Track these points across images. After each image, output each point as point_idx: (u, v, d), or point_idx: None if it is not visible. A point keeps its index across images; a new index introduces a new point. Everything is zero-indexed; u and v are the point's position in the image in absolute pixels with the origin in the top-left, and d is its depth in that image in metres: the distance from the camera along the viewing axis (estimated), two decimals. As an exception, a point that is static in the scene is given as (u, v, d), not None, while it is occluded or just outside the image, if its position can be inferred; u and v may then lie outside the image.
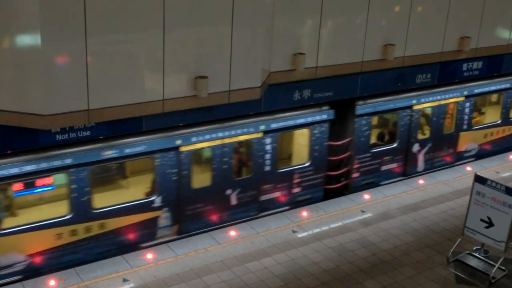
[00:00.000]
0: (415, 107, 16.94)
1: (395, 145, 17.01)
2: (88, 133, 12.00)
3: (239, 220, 14.53)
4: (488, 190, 12.81)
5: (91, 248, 12.74)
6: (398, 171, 17.38)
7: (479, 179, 13.00)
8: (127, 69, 11.53)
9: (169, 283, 12.06)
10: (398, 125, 16.91)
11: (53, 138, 11.68)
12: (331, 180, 16.29)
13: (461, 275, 12.89)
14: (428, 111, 17.53)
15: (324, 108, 15.22)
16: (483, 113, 19.78)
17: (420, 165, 17.76)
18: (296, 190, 15.45)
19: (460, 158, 18.77)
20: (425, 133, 17.76)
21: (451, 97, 17.74)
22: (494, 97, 19.94)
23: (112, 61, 11.34)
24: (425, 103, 17.18)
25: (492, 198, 12.75)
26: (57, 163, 11.90)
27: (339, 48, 14.69)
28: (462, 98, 17.96)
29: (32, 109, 10.81)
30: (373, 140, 16.83)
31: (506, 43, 18.28)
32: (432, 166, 18.04)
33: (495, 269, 12.78)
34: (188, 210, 13.85)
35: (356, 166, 16.39)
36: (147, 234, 13.46)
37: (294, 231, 14.16)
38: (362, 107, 15.84)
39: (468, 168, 18.13)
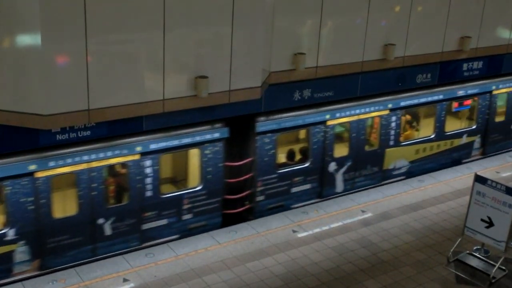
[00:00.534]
0: (329, 123, 15.34)
1: (307, 164, 15.43)
2: (88, 133, 12.01)
3: (117, 252, 13.05)
4: (488, 190, 12.81)
5: None
6: (313, 193, 15.81)
7: (479, 179, 13.00)
8: (127, 69, 11.54)
9: (169, 283, 12.06)
10: (310, 142, 15.33)
11: (54, 138, 11.70)
12: (235, 204, 14.69)
13: (461, 275, 12.89)
14: (346, 126, 16.00)
15: (217, 125, 13.69)
16: (414, 127, 18.20)
17: (339, 185, 16.18)
18: (186, 216, 13.92)
19: (387, 176, 17.14)
20: (343, 151, 16.11)
21: (372, 111, 16.19)
22: (430, 110, 18.05)
23: (112, 61, 11.34)
24: (341, 118, 15.58)
25: (493, 198, 12.75)
26: None
27: (339, 48, 14.70)
28: (386, 112, 16.41)
29: (33, 109, 10.81)
30: (282, 159, 15.45)
31: (506, 43, 18.29)
32: (353, 187, 16.48)
33: (495, 269, 12.78)
34: (50, 243, 12.35)
35: (260, 188, 14.80)
36: (0, 271, 11.99)
37: (294, 231, 14.16)
38: (263, 124, 14.29)
39: (468, 169, 18.13)
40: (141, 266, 12.53)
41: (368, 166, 16.62)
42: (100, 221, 12.79)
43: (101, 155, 12.39)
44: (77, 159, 12.13)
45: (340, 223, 14.63)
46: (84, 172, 12.30)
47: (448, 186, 16.94)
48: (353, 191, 16.30)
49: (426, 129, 18.04)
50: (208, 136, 13.62)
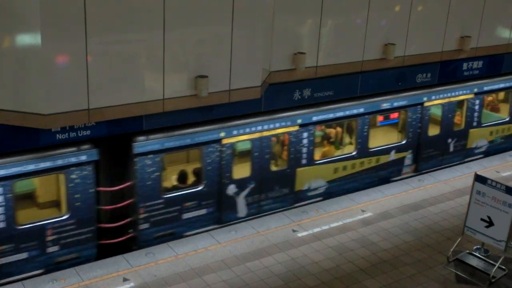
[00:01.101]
0: (225, 141, 13.81)
1: (200, 187, 13.86)
2: (88, 132, 12.02)
3: None
4: (488, 190, 12.82)
5: None
6: (210, 219, 14.25)
7: (479, 179, 13.00)
8: (127, 68, 11.54)
9: (169, 282, 12.07)
10: (203, 163, 13.76)
11: (54, 138, 11.71)
12: (114, 234, 13.19)
13: (461, 275, 12.90)
14: (247, 144, 14.44)
15: (84, 147, 12.24)
16: (333, 144, 16.59)
17: (242, 210, 14.65)
18: (52, 249, 12.41)
19: (300, 198, 15.61)
20: (244, 172, 14.50)
21: (278, 127, 14.60)
22: (352, 124, 16.50)
23: (112, 61, 11.34)
24: (240, 136, 14.07)
25: (492, 198, 12.76)
26: None
27: (339, 48, 14.70)
28: (295, 128, 14.79)
29: (33, 108, 10.82)
30: (173, 182, 14.07)
31: (506, 42, 18.29)
32: (260, 210, 14.96)
33: (495, 268, 12.78)
34: None
35: (143, 215, 13.30)
36: None
37: (294, 231, 14.17)
38: (143, 144, 12.81)
39: (468, 168, 18.13)
40: (141, 266, 12.54)
41: (276, 188, 15.03)
42: None
43: None
44: None
45: (340, 223, 14.63)
46: None
47: (448, 186, 16.94)
48: (261, 214, 14.86)
49: (347, 145, 16.67)
50: (73, 159, 12.13)
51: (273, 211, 15.02)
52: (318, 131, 15.87)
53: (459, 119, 18.48)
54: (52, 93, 10.79)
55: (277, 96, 14.31)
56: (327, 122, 15.64)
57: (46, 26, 10.33)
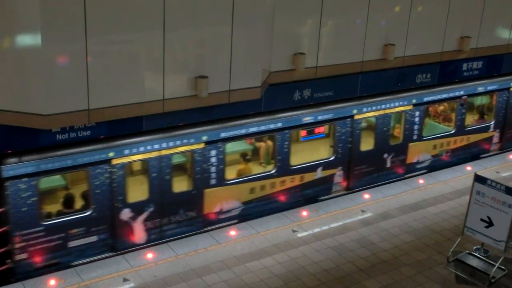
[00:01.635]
0: (116, 162, 12.57)
1: (88, 212, 12.61)
2: (88, 132, 12.02)
3: None
4: (488, 190, 12.82)
5: None
6: (102, 246, 13.03)
7: (479, 179, 13.00)
8: (127, 69, 11.54)
9: (169, 282, 12.07)
10: (91, 186, 12.51)
11: (54, 138, 11.71)
12: None
13: (461, 275, 12.90)
14: (143, 164, 13.42)
15: None
16: (249, 161, 15.29)
17: (140, 236, 13.38)
18: None
19: (211, 222, 14.27)
20: (140, 194, 13.25)
21: (179, 145, 13.25)
22: (271, 140, 15.16)
23: (112, 61, 11.35)
24: (133, 155, 12.76)
25: (492, 198, 12.75)
26: None
27: (339, 48, 14.71)
28: (200, 146, 13.52)
29: (33, 108, 10.82)
30: (57, 207, 12.83)
31: (506, 43, 18.30)
32: (163, 236, 13.65)
33: (495, 268, 12.78)
34: None
35: (19, 245, 12.00)
36: None
37: (294, 231, 14.16)
38: (14, 167, 11.51)
39: (468, 168, 18.12)
40: (141, 266, 12.54)
41: (181, 211, 13.75)
42: None
43: None
44: None
45: (340, 223, 14.63)
46: None
47: (448, 186, 16.94)
48: (166, 239, 13.61)
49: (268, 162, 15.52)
50: None
51: (180, 236, 13.73)
52: (231, 147, 14.61)
53: (398, 132, 17.22)
54: (52, 94, 10.79)
55: (278, 95, 14.31)
56: (238, 139, 14.28)
57: (46, 26, 10.33)
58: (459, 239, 13.45)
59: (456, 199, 16.14)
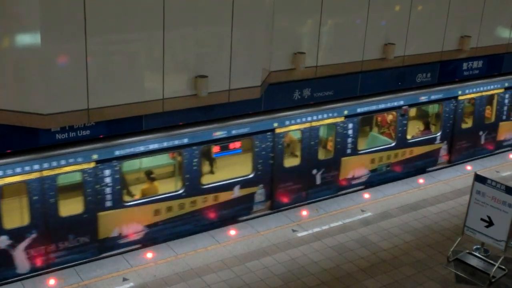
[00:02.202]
0: None
1: None
2: (87, 132, 12.01)
3: None
4: (488, 190, 12.81)
5: None
6: None
7: (479, 178, 13.00)
8: (127, 68, 11.53)
9: (169, 282, 12.06)
10: None
11: (53, 137, 11.70)
12: None
13: (461, 274, 12.89)
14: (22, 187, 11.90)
15: None
16: (154, 180, 13.96)
17: (22, 264, 12.02)
18: None
19: (108, 247, 12.97)
20: (19, 220, 12.00)
21: (64, 165, 12.00)
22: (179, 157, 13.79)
23: (112, 61, 11.35)
24: (6, 178, 11.48)
25: (492, 198, 12.75)
26: None
27: (339, 47, 14.69)
28: (90, 165, 12.25)
29: (32, 108, 10.81)
30: None
31: (506, 42, 18.28)
32: (52, 263, 12.36)
33: (495, 268, 12.78)
34: None
35: None
36: None
37: (294, 230, 14.16)
38: None
39: (468, 168, 18.11)
40: (140, 266, 12.53)
41: (71, 237, 12.44)
42: None
43: None
44: None
45: (340, 223, 14.62)
46: None
47: (448, 186, 16.93)
48: (53, 269, 12.33)
49: (171, 183, 14.15)
50: None
51: (71, 264, 12.57)
52: (130, 165, 13.53)
53: (330, 145, 15.89)
54: (52, 93, 10.78)
55: (278, 95, 14.31)
56: (136, 157, 12.98)
57: (46, 26, 10.32)
58: (459, 239, 13.45)
59: (456, 199, 16.13)
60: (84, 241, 12.60)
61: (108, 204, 12.65)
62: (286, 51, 13.78)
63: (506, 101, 19.24)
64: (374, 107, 16.14)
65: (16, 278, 11.95)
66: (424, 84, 17.03)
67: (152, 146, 12.85)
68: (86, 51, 10.82)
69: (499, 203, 12.68)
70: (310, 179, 15.50)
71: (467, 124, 18.70)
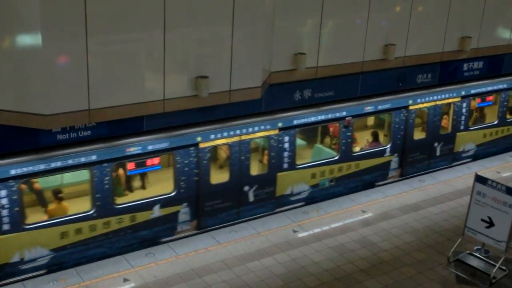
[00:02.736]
0: None
1: None
2: (88, 132, 12.01)
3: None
4: (488, 190, 12.81)
5: None
6: None
7: (479, 179, 12.99)
8: (127, 69, 11.54)
9: (169, 282, 12.06)
10: None
11: (54, 138, 11.70)
12: None
13: (462, 275, 12.89)
14: None
15: None
16: (62, 199, 12.93)
17: None
18: None
19: (9, 273, 11.91)
20: None
21: None
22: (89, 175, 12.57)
23: (113, 61, 11.35)
24: None
25: (493, 198, 12.75)
26: None
27: (339, 48, 14.70)
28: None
29: (33, 108, 10.82)
30: None
31: (506, 43, 18.29)
32: None
33: (495, 269, 12.77)
34: None
35: None
36: None
37: (294, 231, 14.16)
38: None
39: (468, 168, 18.11)
40: (141, 266, 12.53)
41: None
42: None
43: None
44: None
45: (340, 223, 14.63)
46: None
47: (449, 186, 16.93)
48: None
49: (80, 203, 12.97)
50: None
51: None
52: (36, 183, 12.67)
53: (266, 159, 14.83)
54: (53, 94, 10.79)
55: (278, 95, 14.31)
56: (32, 177, 11.92)
57: (46, 26, 10.33)
58: (459, 239, 13.45)
59: (457, 199, 16.13)
60: None
61: (6, 228, 11.65)
62: (286, 52, 13.79)
63: (464, 110, 18.03)
64: (312, 119, 14.96)
65: (16, 278, 11.88)
66: (424, 85, 17.04)
67: (54, 165, 11.81)
68: (87, 52, 10.83)
69: (499, 204, 12.67)
70: (242, 196, 14.44)
71: (421, 135, 17.62)
